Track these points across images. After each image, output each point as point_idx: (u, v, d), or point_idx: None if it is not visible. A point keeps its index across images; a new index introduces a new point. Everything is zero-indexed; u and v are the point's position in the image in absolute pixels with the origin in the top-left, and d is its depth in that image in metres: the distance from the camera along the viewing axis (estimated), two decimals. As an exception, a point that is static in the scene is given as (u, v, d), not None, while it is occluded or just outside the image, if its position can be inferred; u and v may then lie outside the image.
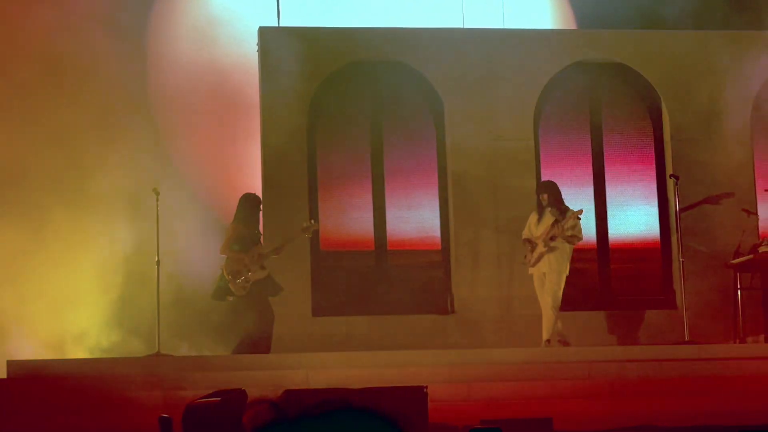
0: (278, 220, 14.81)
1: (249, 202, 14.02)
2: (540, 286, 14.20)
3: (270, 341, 13.67)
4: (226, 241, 13.84)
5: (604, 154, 15.89)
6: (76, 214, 14.64)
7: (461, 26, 16.01)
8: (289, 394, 9.49)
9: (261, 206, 14.12)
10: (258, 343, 13.58)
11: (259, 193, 14.89)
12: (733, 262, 14.77)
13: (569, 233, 14.10)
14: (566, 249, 14.13)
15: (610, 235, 15.72)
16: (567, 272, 14.11)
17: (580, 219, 14.18)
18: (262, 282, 13.73)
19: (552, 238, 14.05)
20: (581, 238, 14.25)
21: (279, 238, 14.11)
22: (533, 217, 14.35)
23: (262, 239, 14.09)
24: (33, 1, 15.08)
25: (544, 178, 15.64)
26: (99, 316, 14.58)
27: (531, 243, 14.23)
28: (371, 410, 2.16)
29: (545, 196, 14.32)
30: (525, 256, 14.32)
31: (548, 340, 13.96)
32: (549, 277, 14.07)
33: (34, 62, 14.90)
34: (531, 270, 14.27)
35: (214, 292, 13.89)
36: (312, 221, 14.18)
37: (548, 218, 14.19)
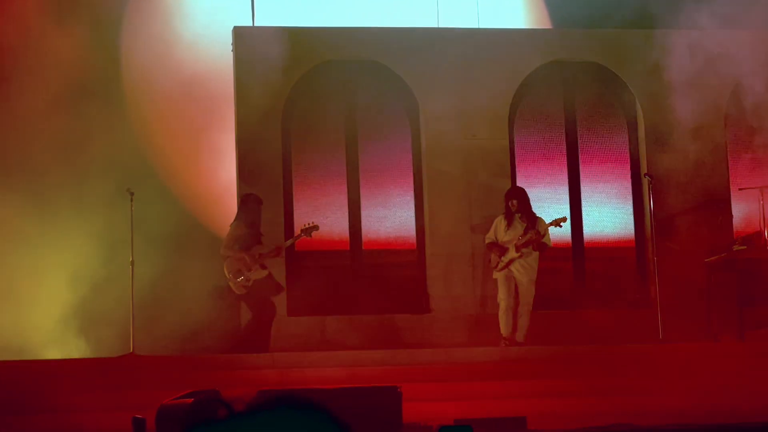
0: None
1: (250, 201, 14.11)
2: (507, 288, 14.18)
3: (269, 340, 13.73)
4: (227, 241, 13.91)
5: (579, 153, 15.93)
6: (48, 215, 14.59)
7: (436, 26, 16.02)
8: (262, 394, 9.48)
9: (261, 206, 14.14)
10: (255, 342, 13.63)
11: (234, 194, 14.89)
12: (707, 260, 14.82)
13: (544, 240, 14.14)
14: (536, 256, 14.17)
15: (584, 234, 15.76)
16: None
17: (561, 227, 14.22)
18: (263, 281, 13.79)
19: (526, 245, 14.05)
20: (551, 246, 14.33)
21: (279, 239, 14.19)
22: (501, 223, 14.32)
23: (262, 239, 14.10)
24: (6, 1, 15.02)
25: (519, 178, 15.68)
26: (72, 317, 14.53)
27: (499, 248, 14.21)
28: (315, 408, 2.20)
29: (515, 202, 14.28)
30: (490, 260, 14.29)
31: (515, 341, 13.97)
32: (526, 286, 14.08)
33: None
34: (497, 275, 14.24)
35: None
36: (312, 222, 14.22)
37: (519, 224, 14.20)
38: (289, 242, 14.19)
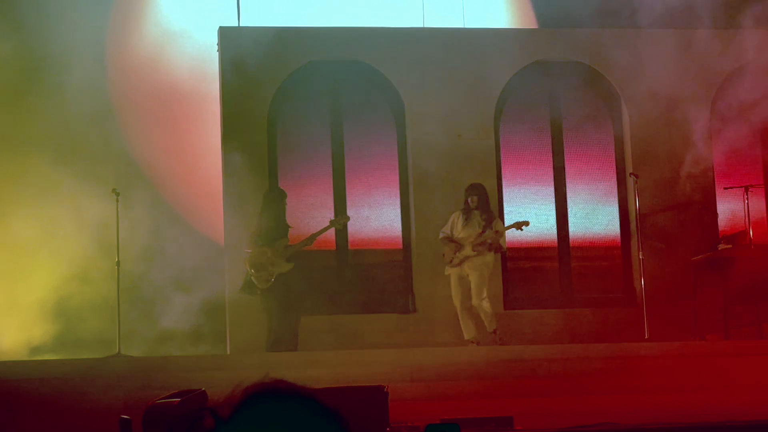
0: (239, 221, 14.78)
1: (273, 195, 14.17)
2: (461, 287, 14.10)
3: (296, 336, 13.69)
4: (250, 236, 13.93)
5: (565, 152, 15.94)
6: (33, 215, 14.56)
7: (422, 26, 16.03)
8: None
9: (285, 199, 14.14)
10: (282, 338, 13.62)
11: (220, 194, 14.88)
12: (693, 259, 14.85)
13: (501, 242, 14.06)
14: (492, 256, 14.10)
15: (570, 234, 15.78)
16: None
17: (522, 230, 14.14)
18: (287, 275, 13.77)
19: (483, 245, 13.96)
20: (505, 251, 14.32)
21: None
22: (458, 218, 14.24)
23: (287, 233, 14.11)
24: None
25: (504, 177, 15.69)
26: (58, 317, 14.51)
27: (456, 244, 14.12)
28: (301, 395, 2.18)
29: (475, 198, 14.23)
30: (444, 255, 14.20)
31: (494, 331, 13.94)
32: (478, 284, 13.96)
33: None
34: (449, 270, 14.17)
35: (243, 287, 13.94)
36: (340, 215, 14.22)
37: (476, 221, 14.13)
38: (316, 234, 14.14)
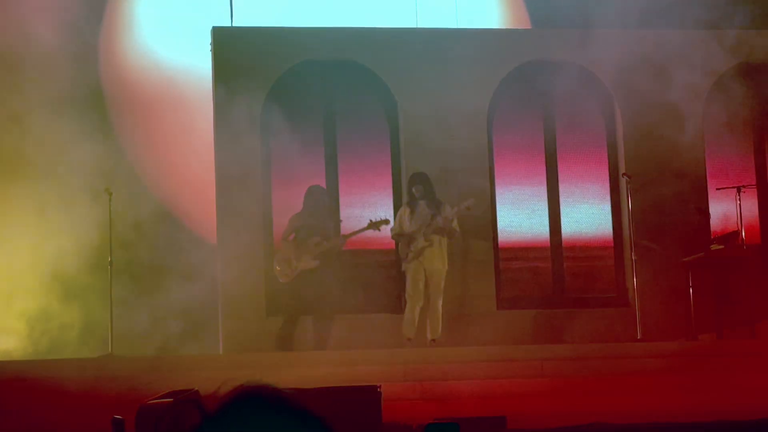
0: (232, 218, 14.78)
1: (312, 193, 14.27)
2: (417, 282, 13.93)
3: (292, 337, 13.85)
4: (284, 231, 14.07)
5: (557, 152, 15.94)
6: (26, 214, 14.54)
7: (415, 26, 16.02)
8: (236, 390, 9.45)
9: (326, 197, 14.32)
10: (282, 338, 13.72)
11: (213, 194, 14.88)
12: (685, 259, 14.87)
13: (453, 226, 13.95)
14: (446, 244, 14.01)
15: (563, 234, 15.78)
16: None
17: (471, 209, 14.00)
18: (309, 273, 13.79)
19: (436, 232, 13.85)
20: (459, 234, 14.18)
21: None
22: (404, 212, 14.13)
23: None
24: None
25: (497, 177, 15.69)
26: (49, 317, 14.48)
27: (408, 237, 13.99)
28: (287, 399, 2.19)
29: (420, 188, 14.12)
30: (400, 252, 14.07)
31: (434, 340, 13.84)
32: (438, 275, 13.85)
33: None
34: (406, 266, 14.07)
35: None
36: (382, 217, 14.19)
37: (424, 212, 14.04)
38: (352, 234, 14.16)
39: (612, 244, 15.84)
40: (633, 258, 14.70)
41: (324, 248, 13.88)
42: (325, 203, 14.24)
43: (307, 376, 11.94)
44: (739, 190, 14.92)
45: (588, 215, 15.87)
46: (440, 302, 13.83)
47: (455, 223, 14.01)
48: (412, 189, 14.12)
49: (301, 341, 14.54)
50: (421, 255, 13.92)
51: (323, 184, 15.28)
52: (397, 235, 14.08)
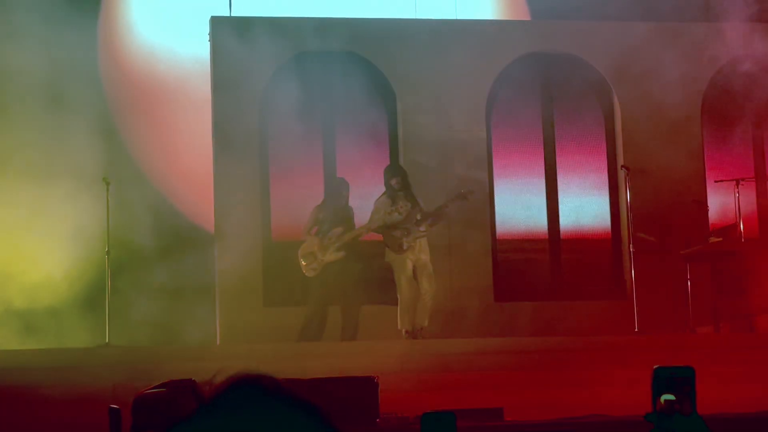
0: (230, 208, 14.76)
1: (336, 184, 14.32)
2: (408, 272, 13.77)
3: (323, 329, 13.82)
4: (305, 224, 14.01)
5: (556, 145, 15.93)
6: (23, 203, 14.52)
7: (414, 17, 16.00)
8: (230, 379, 9.44)
9: (346, 189, 14.25)
10: (309, 330, 13.69)
11: (211, 185, 14.86)
12: (683, 252, 14.85)
13: (443, 209, 13.91)
14: (427, 254, 13.94)
15: (561, 226, 15.77)
16: None
17: (466, 199, 13.94)
18: (335, 264, 13.74)
19: (436, 221, 13.82)
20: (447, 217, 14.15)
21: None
22: (385, 204, 14.04)
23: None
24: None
25: (496, 169, 15.68)
26: (46, 307, 14.47)
27: (393, 228, 13.93)
28: (284, 390, 2.18)
29: (399, 179, 14.04)
30: (387, 244, 13.96)
31: (422, 328, 13.74)
32: (426, 266, 13.78)
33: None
34: (391, 257, 13.88)
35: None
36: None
37: (403, 203, 14.02)
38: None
39: (610, 236, 15.84)
40: (631, 250, 14.68)
41: (344, 239, 13.86)
42: (343, 195, 14.21)
43: (305, 366, 11.93)
44: (737, 183, 14.90)
45: (586, 207, 15.86)
46: (432, 292, 13.76)
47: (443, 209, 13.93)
48: (390, 181, 14.02)
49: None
50: (415, 245, 13.89)
51: (321, 176, 15.27)
52: (383, 227, 13.97)
